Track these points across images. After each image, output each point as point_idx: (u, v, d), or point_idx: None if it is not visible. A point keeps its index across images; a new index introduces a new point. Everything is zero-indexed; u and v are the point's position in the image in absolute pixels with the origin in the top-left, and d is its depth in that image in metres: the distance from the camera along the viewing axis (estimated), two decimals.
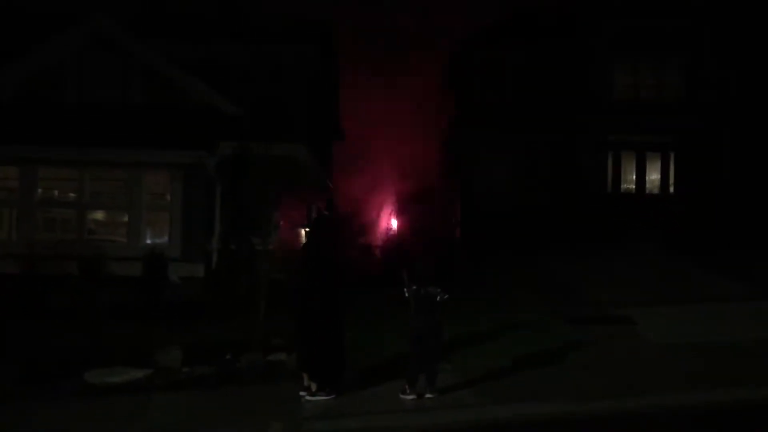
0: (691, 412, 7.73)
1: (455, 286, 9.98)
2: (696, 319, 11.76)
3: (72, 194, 15.59)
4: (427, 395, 7.83)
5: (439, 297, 7.92)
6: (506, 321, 11.51)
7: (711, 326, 11.27)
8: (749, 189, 21.84)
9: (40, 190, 15.42)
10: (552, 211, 21.73)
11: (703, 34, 22.86)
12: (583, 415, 7.61)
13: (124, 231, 15.38)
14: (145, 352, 9.13)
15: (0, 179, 15.57)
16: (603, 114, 22.84)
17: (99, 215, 16.19)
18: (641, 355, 9.90)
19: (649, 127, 22.72)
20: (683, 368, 9.19)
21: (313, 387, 7.81)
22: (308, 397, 7.80)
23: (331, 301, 7.93)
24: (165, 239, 15.21)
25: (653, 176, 23.49)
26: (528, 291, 14.51)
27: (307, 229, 13.55)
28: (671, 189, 23.20)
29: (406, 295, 7.97)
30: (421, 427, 7.32)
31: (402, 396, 7.83)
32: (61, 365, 8.77)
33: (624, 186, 23.43)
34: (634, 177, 23.40)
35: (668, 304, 12.72)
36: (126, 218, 15.37)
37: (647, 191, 23.38)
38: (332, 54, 24.33)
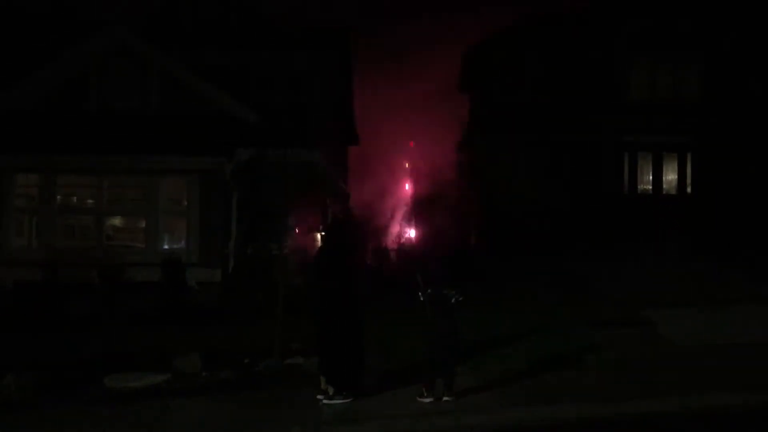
0: (712, 415, 7.65)
1: (472, 288, 9.96)
2: (718, 320, 11.63)
3: (91, 201, 15.76)
4: (445, 398, 7.81)
5: (454, 299, 7.90)
6: (525, 323, 11.44)
7: (734, 328, 11.13)
8: None
9: (59, 197, 15.59)
10: (570, 211, 21.59)
11: (722, 32, 22.64)
12: (602, 417, 7.56)
13: (142, 237, 15.51)
14: (165, 357, 9.19)
15: (20, 186, 15.76)
16: (620, 114, 22.70)
17: (117, 221, 16.36)
18: (662, 357, 9.80)
19: (667, 128, 22.55)
20: (705, 370, 9.09)
21: (331, 391, 7.82)
22: (326, 401, 7.82)
23: (349, 305, 7.94)
24: (182, 244, 15.33)
25: (670, 177, 23.30)
26: (546, 292, 14.43)
27: (324, 234, 13.61)
28: (688, 189, 23.00)
29: (421, 298, 7.96)
30: (439, 430, 7.32)
31: (420, 399, 7.83)
32: (81, 371, 8.86)
33: (641, 187, 23.25)
34: (651, 178, 23.23)
35: (689, 306, 12.58)
36: (144, 224, 15.50)
37: (664, 192, 23.19)
38: (348, 59, 24.40)
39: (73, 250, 14.94)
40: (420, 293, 7.98)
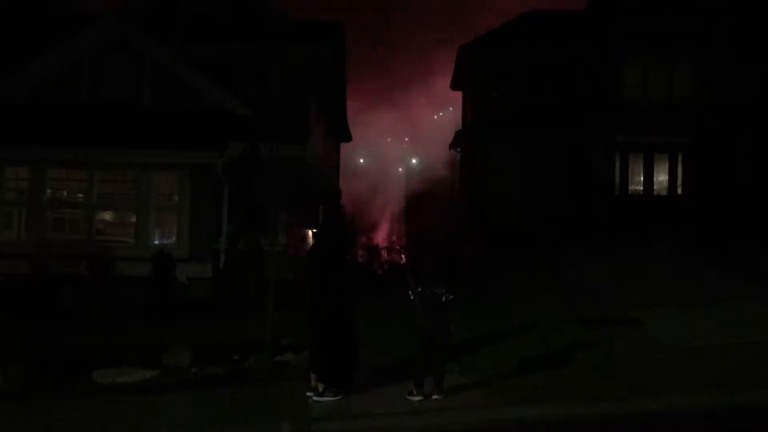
0: (700, 414, 7.69)
1: (464, 286, 9.97)
2: (707, 320, 11.68)
3: (81, 195, 15.68)
4: (435, 396, 7.81)
5: (444, 297, 7.89)
6: (515, 321, 11.46)
7: (723, 328, 11.18)
8: (764, 190, 21.62)
9: (49, 191, 15.51)
10: (562, 210, 21.68)
11: (716, 33, 22.73)
12: (592, 416, 7.58)
13: (133, 231, 15.45)
14: (154, 352, 9.15)
15: (10, 180, 15.67)
16: (613, 114, 22.76)
17: (107, 215, 16.29)
18: (651, 356, 9.84)
19: (658, 128, 22.63)
20: (694, 370, 9.13)
21: (320, 387, 7.81)
22: (315, 398, 7.80)
23: (341, 302, 7.93)
24: (173, 239, 15.27)
25: (661, 177, 23.39)
26: (537, 291, 14.47)
27: (315, 230, 13.60)
28: (679, 190, 23.10)
29: (411, 296, 7.94)
30: (428, 428, 7.32)
31: (409, 397, 7.82)
32: (70, 365, 8.81)
33: (632, 187, 23.34)
34: (642, 178, 23.31)
35: (678, 306, 12.64)
36: (134, 218, 15.44)
37: (655, 192, 23.29)
38: (341, 54, 24.36)
39: (63, 243, 14.88)
40: (410, 291, 7.97)
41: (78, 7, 20.08)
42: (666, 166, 23.30)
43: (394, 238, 28.01)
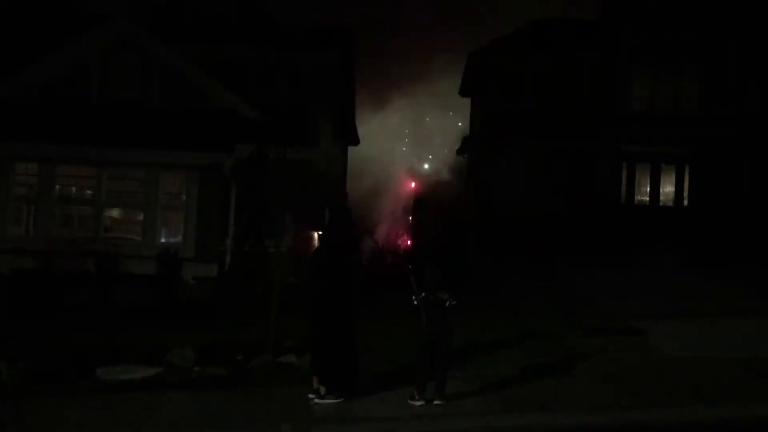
0: (700, 427, 7.70)
1: (467, 293, 9.99)
2: (711, 333, 11.67)
3: (89, 192, 15.78)
4: (436, 402, 7.84)
5: (448, 302, 7.92)
6: (518, 329, 11.49)
7: (726, 341, 11.17)
8: None
9: (58, 188, 15.61)
10: (567, 219, 21.70)
11: (723, 45, 22.76)
12: (592, 426, 7.60)
13: (140, 229, 15.54)
14: (158, 351, 9.21)
15: (20, 175, 15.77)
16: (619, 124, 22.79)
17: (115, 213, 16.38)
18: (653, 367, 9.84)
19: (665, 139, 22.65)
20: (695, 382, 9.13)
21: (323, 390, 7.85)
22: (317, 400, 7.85)
23: (344, 305, 7.97)
24: (180, 239, 15.34)
25: (668, 188, 23.39)
26: (540, 299, 14.49)
27: (321, 233, 13.66)
28: (685, 202, 23.10)
29: (415, 302, 7.98)
30: None
31: (411, 402, 7.86)
32: (75, 362, 8.87)
33: (638, 197, 23.36)
34: (649, 189, 23.33)
35: (682, 317, 12.64)
36: (142, 217, 15.53)
37: (661, 203, 23.29)
38: (351, 59, 24.45)
39: (71, 240, 14.97)
40: (414, 296, 8.01)
41: (88, 8, 20.21)
42: (673, 178, 23.31)
43: (399, 242, 28.04)
